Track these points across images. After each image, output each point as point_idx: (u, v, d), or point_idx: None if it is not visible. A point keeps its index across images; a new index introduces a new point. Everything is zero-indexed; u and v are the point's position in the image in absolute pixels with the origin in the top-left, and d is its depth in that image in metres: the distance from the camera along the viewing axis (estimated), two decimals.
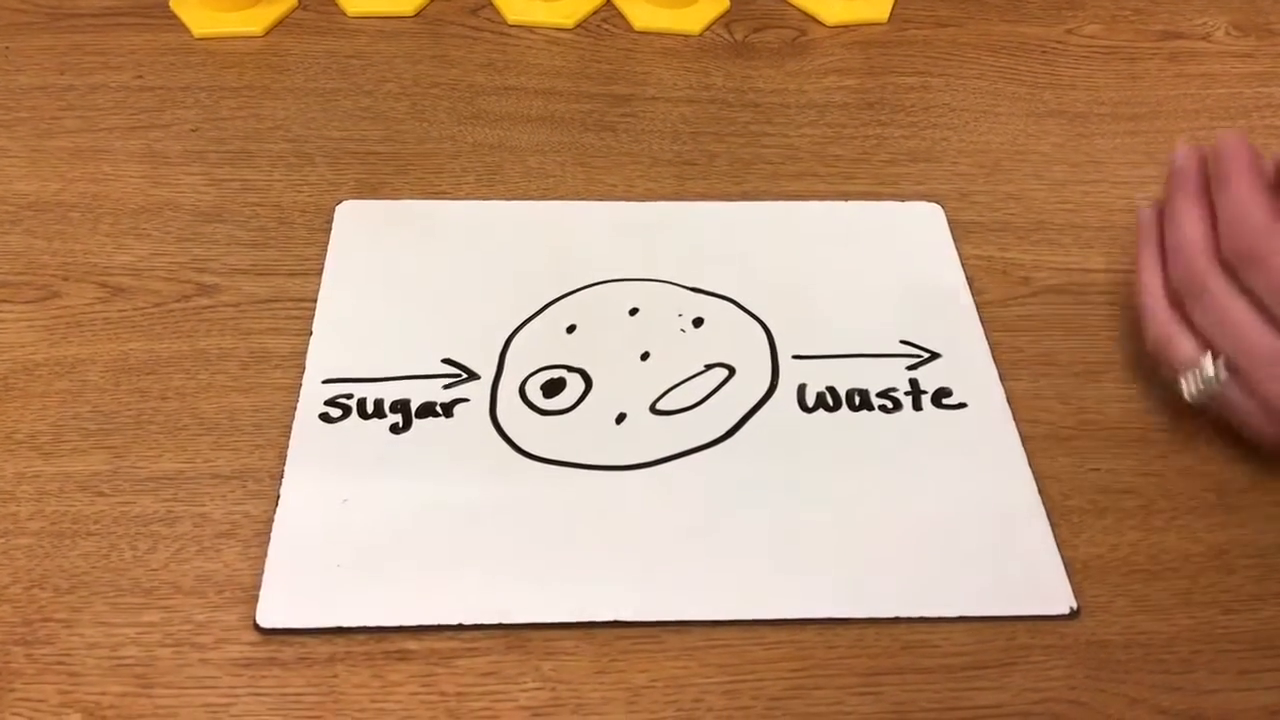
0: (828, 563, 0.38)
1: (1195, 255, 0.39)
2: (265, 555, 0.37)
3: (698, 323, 0.45)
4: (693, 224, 0.49)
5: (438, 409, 0.42)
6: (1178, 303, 0.40)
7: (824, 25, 0.61)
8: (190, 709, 0.34)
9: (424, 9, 0.60)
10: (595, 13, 0.61)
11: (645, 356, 0.44)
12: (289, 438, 0.40)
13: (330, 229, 0.48)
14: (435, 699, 0.35)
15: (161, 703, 0.34)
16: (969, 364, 0.44)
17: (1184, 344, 0.40)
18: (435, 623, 0.36)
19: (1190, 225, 0.40)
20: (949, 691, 0.35)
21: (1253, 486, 0.41)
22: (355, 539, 0.38)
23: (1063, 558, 0.38)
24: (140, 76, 0.55)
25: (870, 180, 0.52)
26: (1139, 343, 0.45)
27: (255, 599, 0.36)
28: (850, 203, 0.51)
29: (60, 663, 0.35)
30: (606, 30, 0.60)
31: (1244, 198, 0.37)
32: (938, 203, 0.51)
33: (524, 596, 0.37)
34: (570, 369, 0.43)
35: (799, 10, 0.62)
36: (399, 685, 0.35)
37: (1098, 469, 0.41)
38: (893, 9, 0.62)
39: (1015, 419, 0.42)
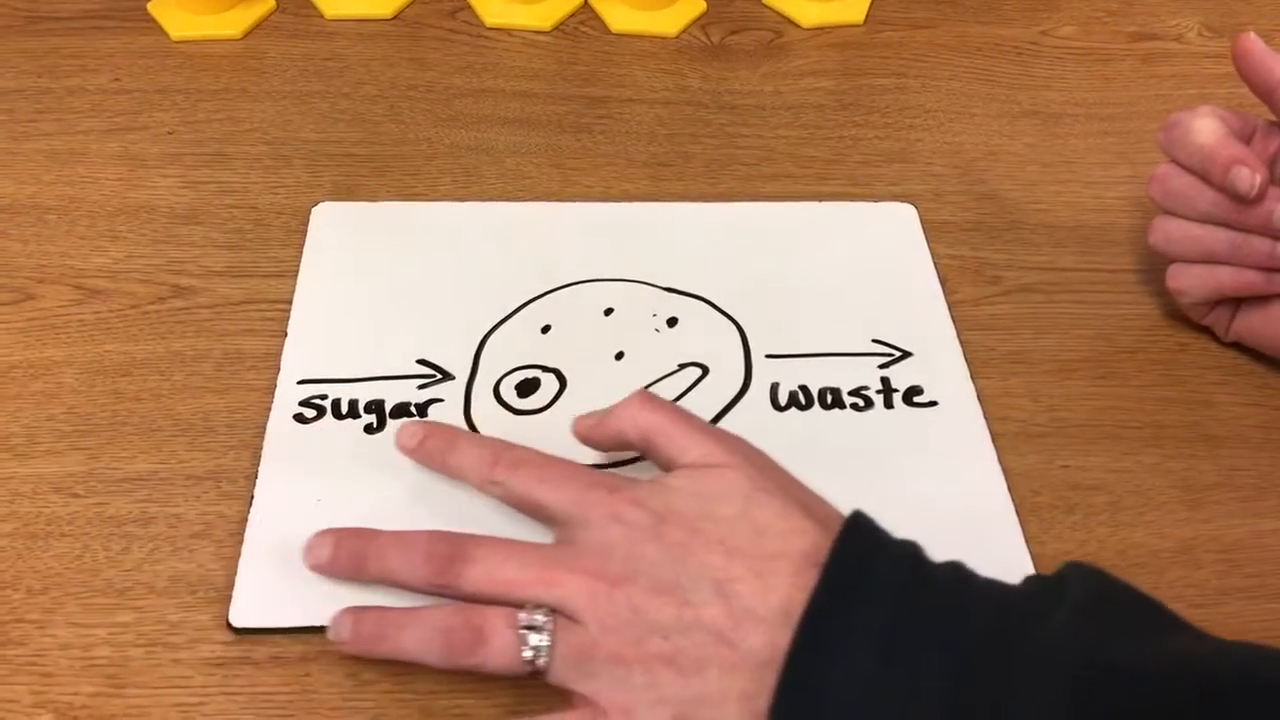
0: None
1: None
2: (239, 555, 0.37)
3: (672, 322, 0.45)
4: (668, 224, 0.50)
5: (412, 409, 0.42)
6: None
7: (800, 27, 0.61)
8: (162, 709, 0.34)
9: (402, 11, 0.61)
10: (572, 15, 0.61)
11: (620, 356, 0.44)
12: (263, 438, 0.41)
13: (306, 231, 0.48)
14: (409, 697, 0.35)
15: (134, 702, 0.34)
16: (940, 362, 0.44)
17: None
18: None
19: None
20: None
21: (1219, 484, 0.41)
22: None
23: (1031, 554, 0.39)
24: (117, 79, 0.56)
25: (844, 181, 0.52)
26: (1110, 341, 0.45)
27: (228, 599, 0.36)
28: (825, 203, 0.51)
29: (32, 663, 0.35)
30: (584, 32, 0.60)
31: None
32: (911, 203, 0.51)
33: None
34: (545, 369, 0.44)
35: (775, 12, 0.62)
36: (372, 684, 0.35)
37: (1067, 466, 0.42)
38: (868, 11, 0.62)
39: (985, 417, 0.43)
